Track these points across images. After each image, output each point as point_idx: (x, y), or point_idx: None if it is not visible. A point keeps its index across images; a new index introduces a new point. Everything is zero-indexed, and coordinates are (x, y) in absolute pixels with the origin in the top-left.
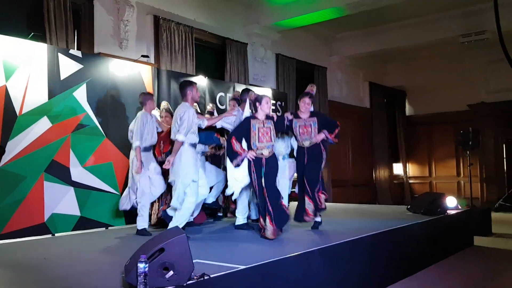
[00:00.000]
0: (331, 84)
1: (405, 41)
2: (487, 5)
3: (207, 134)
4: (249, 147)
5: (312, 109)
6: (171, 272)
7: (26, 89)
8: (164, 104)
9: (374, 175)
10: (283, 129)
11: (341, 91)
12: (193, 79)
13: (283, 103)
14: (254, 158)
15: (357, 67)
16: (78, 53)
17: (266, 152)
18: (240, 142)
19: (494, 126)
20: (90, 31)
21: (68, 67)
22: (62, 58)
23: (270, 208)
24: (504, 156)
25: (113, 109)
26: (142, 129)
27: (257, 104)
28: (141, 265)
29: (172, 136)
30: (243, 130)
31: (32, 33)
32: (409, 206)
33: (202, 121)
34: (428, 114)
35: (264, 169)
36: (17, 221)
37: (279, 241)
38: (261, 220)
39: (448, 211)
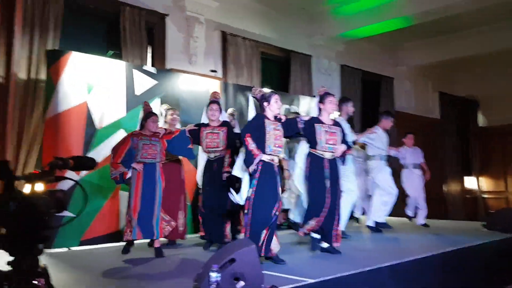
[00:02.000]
0: (398, 95)
1: (476, 49)
2: None
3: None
4: (262, 150)
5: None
6: (242, 283)
7: (105, 104)
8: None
9: (444, 189)
10: (294, 134)
11: (409, 101)
12: None
13: None
14: (267, 162)
15: (426, 77)
16: (152, 69)
17: (276, 160)
18: (255, 142)
19: None
20: (163, 47)
21: (143, 82)
22: (137, 74)
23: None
24: None
25: (184, 122)
26: None
27: (265, 103)
28: (213, 274)
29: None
30: (257, 128)
31: (110, 51)
32: (484, 223)
33: None
34: (503, 124)
35: (278, 179)
36: (95, 229)
37: (347, 256)
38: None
39: None
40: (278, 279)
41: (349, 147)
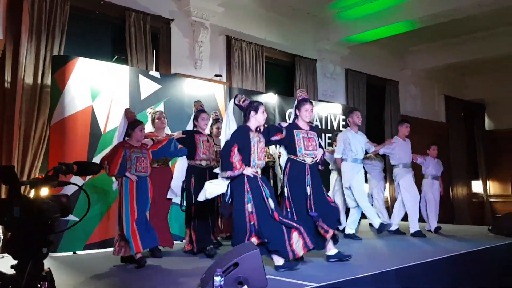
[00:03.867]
0: (403, 98)
1: (483, 53)
2: None
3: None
4: (247, 163)
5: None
6: (246, 287)
7: (110, 109)
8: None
9: (451, 193)
10: (273, 143)
11: (415, 105)
12: (263, 96)
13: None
14: (252, 176)
15: (432, 80)
16: (157, 74)
17: (260, 172)
18: (241, 154)
19: None
20: (168, 52)
21: (148, 87)
22: (142, 79)
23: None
24: None
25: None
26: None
27: (252, 112)
28: (217, 278)
29: None
30: (244, 140)
31: (116, 57)
32: (490, 227)
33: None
34: (510, 128)
35: (267, 190)
36: (100, 233)
37: (352, 259)
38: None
39: None
40: (281, 283)
41: (324, 152)
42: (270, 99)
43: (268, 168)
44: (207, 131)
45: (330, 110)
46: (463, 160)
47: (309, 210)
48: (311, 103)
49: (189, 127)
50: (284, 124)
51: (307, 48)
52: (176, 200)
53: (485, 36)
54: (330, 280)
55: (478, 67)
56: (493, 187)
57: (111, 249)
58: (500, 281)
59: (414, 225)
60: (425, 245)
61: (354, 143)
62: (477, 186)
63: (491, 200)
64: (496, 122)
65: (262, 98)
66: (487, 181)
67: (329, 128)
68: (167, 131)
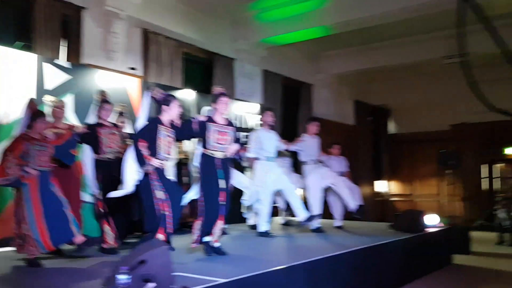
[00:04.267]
0: (317, 101)
1: (390, 60)
2: (470, 28)
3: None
4: (153, 155)
5: None
6: (152, 284)
7: (12, 98)
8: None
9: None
10: (188, 137)
11: (328, 108)
12: (181, 92)
13: None
14: (161, 168)
15: (343, 85)
16: (66, 63)
17: (166, 165)
18: (147, 148)
19: (474, 147)
20: (78, 41)
21: (55, 77)
22: (48, 68)
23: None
24: (485, 176)
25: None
26: None
27: (165, 106)
28: (121, 276)
29: None
30: (150, 133)
31: (20, 43)
32: (391, 223)
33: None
34: (411, 132)
35: (168, 184)
36: None
37: (261, 254)
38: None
39: (428, 229)
40: (189, 279)
41: (242, 146)
42: (188, 95)
43: (182, 166)
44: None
45: (246, 109)
46: (369, 161)
47: (220, 203)
48: (228, 96)
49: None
50: (201, 118)
51: (225, 47)
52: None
53: (393, 44)
54: (238, 275)
55: (384, 74)
56: (395, 187)
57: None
58: (395, 273)
59: (317, 222)
60: (331, 240)
61: (266, 142)
62: (381, 185)
63: (393, 199)
64: (399, 127)
65: (179, 94)
66: (390, 181)
67: (244, 127)
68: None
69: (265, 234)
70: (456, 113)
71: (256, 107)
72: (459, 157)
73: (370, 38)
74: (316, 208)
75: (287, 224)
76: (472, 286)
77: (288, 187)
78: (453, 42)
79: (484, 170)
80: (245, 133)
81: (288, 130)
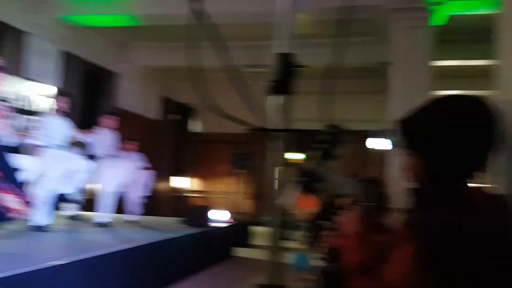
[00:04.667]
0: (123, 91)
1: (197, 61)
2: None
3: None
4: None
5: None
6: None
7: None
8: None
9: (155, 187)
10: None
11: (133, 100)
12: None
13: None
14: None
15: (152, 79)
16: None
17: None
18: None
19: (264, 150)
20: None
21: None
22: None
23: None
24: (270, 177)
25: None
26: None
27: None
28: None
29: None
30: None
31: None
32: (185, 219)
33: None
34: (213, 132)
35: None
36: None
37: (33, 250)
38: None
39: (213, 224)
40: None
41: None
42: None
43: None
44: None
45: (37, 90)
46: (170, 157)
47: None
48: (5, 71)
49: None
50: None
51: (16, 17)
52: None
53: (203, 46)
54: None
55: (193, 74)
56: (194, 183)
57: None
58: (179, 267)
59: (103, 216)
60: (111, 236)
61: (56, 129)
62: (180, 181)
63: (192, 195)
64: (203, 126)
65: None
66: (191, 178)
67: (34, 110)
68: None
69: (43, 228)
70: (256, 118)
71: (51, 89)
72: (251, 159)
73: (179, 36)
74: (109, 205)
75: (74, 218)
76: (247, 275)
77: (78, 180)
78: (251, 53)
79: (270, 172)
80: (30, 117)
81: (88, 119)
